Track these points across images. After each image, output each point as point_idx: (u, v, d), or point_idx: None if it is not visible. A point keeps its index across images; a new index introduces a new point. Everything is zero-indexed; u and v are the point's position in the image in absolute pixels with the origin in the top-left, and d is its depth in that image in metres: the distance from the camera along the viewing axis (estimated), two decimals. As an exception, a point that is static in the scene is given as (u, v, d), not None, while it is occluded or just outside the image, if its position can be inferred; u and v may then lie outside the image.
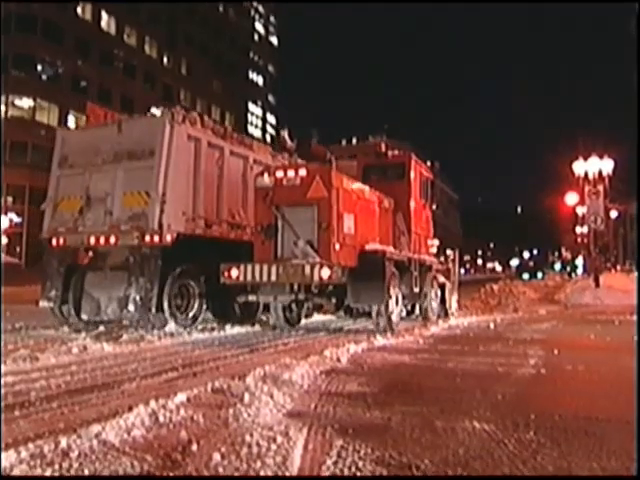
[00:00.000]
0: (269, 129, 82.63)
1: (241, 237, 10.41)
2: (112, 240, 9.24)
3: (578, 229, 44.41)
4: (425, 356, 6.78)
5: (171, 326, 9.06)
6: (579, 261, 47.20)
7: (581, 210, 30.06)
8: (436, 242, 12.96)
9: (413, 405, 4.20)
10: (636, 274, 18.98)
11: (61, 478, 2.53)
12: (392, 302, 9.42)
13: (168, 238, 8.93)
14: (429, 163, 12.73)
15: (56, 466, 2.82)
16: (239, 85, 67.94)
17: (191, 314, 9.59)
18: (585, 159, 22.85)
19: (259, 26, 79.44)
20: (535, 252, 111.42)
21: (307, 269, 8.47)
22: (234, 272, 8.78)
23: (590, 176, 22.42)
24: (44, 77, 44.67)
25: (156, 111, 48.26)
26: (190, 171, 9.55)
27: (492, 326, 10.48)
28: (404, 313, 10.55)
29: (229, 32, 65.38)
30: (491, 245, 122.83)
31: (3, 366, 5.48)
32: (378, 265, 9.18)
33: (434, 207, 12.93)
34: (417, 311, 11.63)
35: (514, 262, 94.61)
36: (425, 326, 10.15)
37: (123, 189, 9.32)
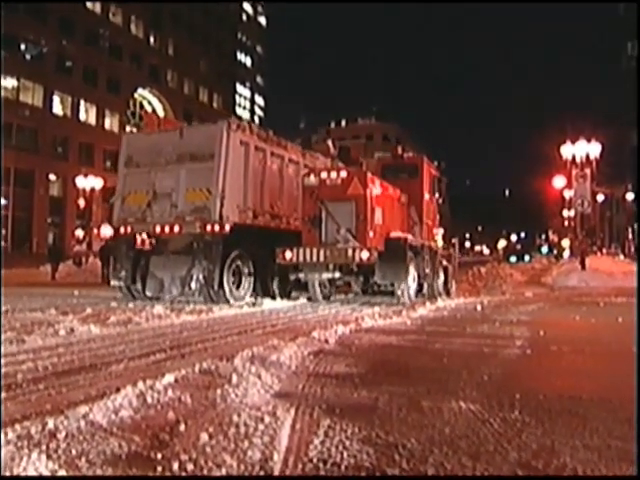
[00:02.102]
0: (257, 111, 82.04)
1: (279, 226, 12.24)
2: (176, 229, 10.86)
3: (565, 212, 44.77)
4: (412, 337, 6.83)
5: (158, 308, 9.07)
6: (565, 244, 47.63)
7: (568, 193, 30.25)
8: (441, 231, 15.14)
9: (400, 385, 4.24)
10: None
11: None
12: (410, 280, 11.31)
13: (227, 227, 10.63)
14: (436, 163, 15.40)
15: (43, 447, 2.81)
16: (227, 66, 67.13)
17: (243, 290, 11.30)
18: (573, 142, 22.93)
19: (247, 6, 78.43)
20: (523, 235, 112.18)
21: (350, 252, 10.50)
22: (288, 254, 10.75)
23: (577, 159, 22.52)
24: (28, 57, 43.86)
25: (143, 91, 47.63)
26: (241, 170, 11.21)
27: (479, 308, 10.57)
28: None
29: (217, 12, 64.38)
30: (479, 228, 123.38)
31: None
32: (401, 249, 11.16)
33: (440, 201, 14.78)
34: (424, 290, 12.69)
35: (501, 244, 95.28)
36: (413, 308, 10.22)
37: (186, 186, 10.91)
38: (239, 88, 76.02)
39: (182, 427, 3.17)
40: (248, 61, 78.57)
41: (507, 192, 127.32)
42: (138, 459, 2.76)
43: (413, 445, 2.96)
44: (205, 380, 4.29)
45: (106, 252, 21.56)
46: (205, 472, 2.61)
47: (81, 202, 36.29)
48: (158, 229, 11.00)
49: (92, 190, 35.77)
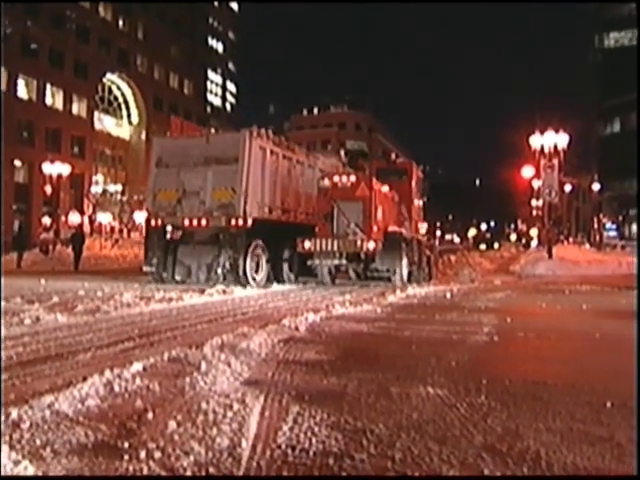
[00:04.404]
0: (229, 97, 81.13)
1: (288, 219, 13.99)
2: (203, 222, 12.37)
3: (533, 202, 45.47)
4: (382, 324, 6.89)
5: (127, 296, 8.97)
6: (534, 233, 48.49)
7: (537, 183, 30.71)
8: (425, 225, 17.63)
9: (369, 372, 4.28)
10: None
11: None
12: (404, 266, 13.41)
13: (249, 222, 12.18)
14: (421, 166, 17.71)
15: (6, 437, 2.76)
16: (198, 51, 66.07)
17: (261, 275, 12.77)
18: (542, 133, 23.26)
19: (219, -10, 77.11)
20: (492, 224, 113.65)
21: (358, 242, 12.59)
22: (307, 244, 12.71)
23: (546, 150, 22.86)
24: (-10, 38, 42.43)
25: (112, 76, 46.56)
26: (260, 172, 12.80)
27: (448, 295, 10.71)
28: None
29: (188, -4, 63.13)
30: (449, 217, 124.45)
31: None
32: (397, 241, 13.34)
33: (425, 199, 17.39)
34: (412, 276, 14.33)
35: (471, 233, 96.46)
36: (383, 295, 10.30)
37: (213, 185, 12.45)
38: (210, 74, 74.92)
39: (150, 415, 3.15)
40: (220, 47, 77.48)
41: (477, 182, 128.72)
42: (104, 448, 2.74)
43: (381, 430, 2.99)
44: (174, 368, 4.26)
45: (77, 240, 21.24)
46: (172, 460, 2.59)
47: (48, 189, 35.51)
48: (187, 222, 12.52)
49: (59, 177, 35.05)
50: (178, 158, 12.79)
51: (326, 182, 13.21)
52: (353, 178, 13.17)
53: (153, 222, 12.93)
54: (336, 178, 13.24)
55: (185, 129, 15.24)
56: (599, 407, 3.41)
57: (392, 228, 13.74)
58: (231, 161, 12.33)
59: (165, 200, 12.79)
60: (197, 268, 12.51)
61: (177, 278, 12.77)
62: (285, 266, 13.57)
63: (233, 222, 12.16)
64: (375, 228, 12.87)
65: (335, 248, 12.62)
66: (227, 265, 12.14)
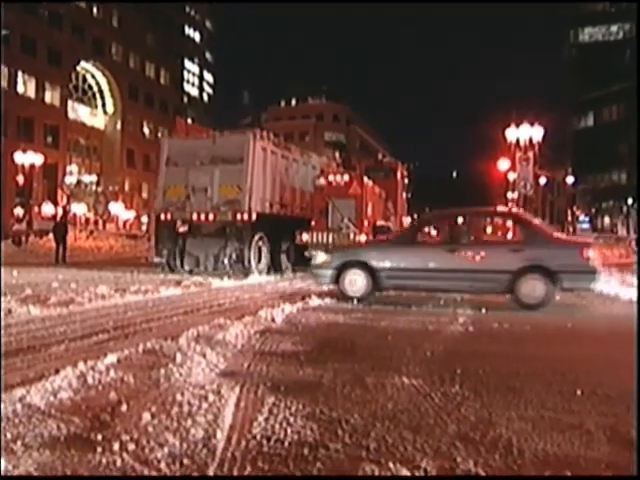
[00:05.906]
0: (206, 88, 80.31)
1: (285, 213, 15.05)
2: (211, 217, 13.46)
3: (509, 194, 45.88)
4: (359, 315, 6.92)
5: (102, 288, 8.86)
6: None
7: (512, 176, 31.00)
8: (409, 219, 19.17)
9: (345, 362, 4.29)
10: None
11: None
12: None
13: (254, 216, 13.21)
14: (406, 165, 19.44)
15: (-24, 431, 2.72)
16: (174, 41, 65.20)
17: (263, 265, 13.77)
18: (517, 126, 23.49)
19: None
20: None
21: (351, 235, 13.75)
22: (304, 236, 13.99)
23: (521, 143, 23.10)
24: (-40, 24, 41.32)
25: (86, 64, 45.45)
26: (262, 170, 13.86)
27: (425, 287, 10.75)
28: None
29: (164, -16, 62.15)
30: (426, 209, 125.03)
31: None
32: (385, 234, 13.85)
33: (409, 195, 19.30)
34: None
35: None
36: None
37: (219, 183, 13.50)
38: (187, 64, 74.02)
39: (124, 407, 3.13)
40: (197, 36, 76.53)
41: (454, 174, 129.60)
42: (77, 441, 2.71)
43: (356, 420, 3.01)
44: (149, 360, 4.24)
45: (60, 230, 20.79)
46: (146, 452, 2.58)
47: (20, 179, 34.82)
48: (195, 217, 13.54)
49: (32, 166, 34.37)
50: (186, 157, 13.81)
51: (322, 181, 14.54)
52: (346, 177, 14.46)
53: (163, 216, 13.91)
54: (331, 177, 14.55)
55: (190, 131, 16.58)
56: (570, 396, 3.48)
57: (380, 222, 14.96)
58: (236, 161, 13.35)
59: (174, 196, 13.83)
60: (205, 258, 13.56)
61: (186, 268, 13.76)
62: (283, 257, 14.62)
63: (239, 216, 13.17)
64: (366, 222, 14.13)
65: (330, 240, 13.80)
66: (233, 256, 13.19)
